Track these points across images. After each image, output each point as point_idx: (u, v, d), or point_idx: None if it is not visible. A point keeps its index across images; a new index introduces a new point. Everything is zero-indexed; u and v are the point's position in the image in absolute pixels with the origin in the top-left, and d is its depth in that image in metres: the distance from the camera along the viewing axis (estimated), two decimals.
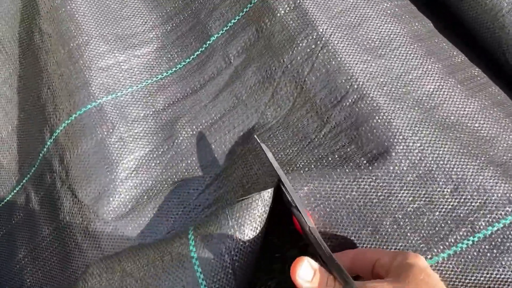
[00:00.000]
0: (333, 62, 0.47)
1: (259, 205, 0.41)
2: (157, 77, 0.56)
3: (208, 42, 0.55)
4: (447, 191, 0.40)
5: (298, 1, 0.51)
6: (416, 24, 0.52)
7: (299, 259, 0.36)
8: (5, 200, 0.60)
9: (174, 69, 0.56)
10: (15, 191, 0.59)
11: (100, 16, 0.57)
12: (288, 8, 0.51)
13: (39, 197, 0.55)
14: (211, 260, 0.40)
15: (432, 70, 0.47)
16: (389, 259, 0.36)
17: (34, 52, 0.59)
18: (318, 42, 0.48)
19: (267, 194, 0.41)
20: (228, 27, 0.54)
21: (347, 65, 0.47)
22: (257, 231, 0.41)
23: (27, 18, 0.61)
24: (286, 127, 0.47)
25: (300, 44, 0.49)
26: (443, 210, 0.40)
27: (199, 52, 0.55)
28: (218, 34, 0.54)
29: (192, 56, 0.55)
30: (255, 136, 0.47)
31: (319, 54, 0.48)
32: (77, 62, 0.54)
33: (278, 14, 0.51)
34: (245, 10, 0.53)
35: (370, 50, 0.48)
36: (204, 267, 0.40)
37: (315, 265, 0.36)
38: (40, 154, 0.56)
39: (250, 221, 0.40)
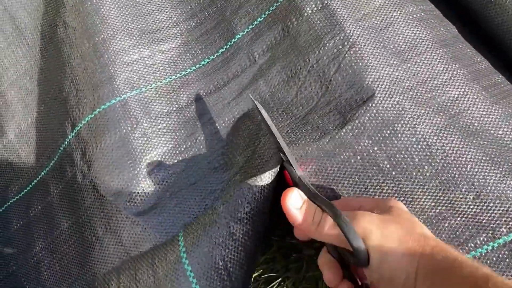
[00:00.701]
0: (360, 64, 0.47)
1: (247, 205, 0.42)
2: (181, 73, 0.56)
3: (233, 40, 0.55)
4: (469, 198, 0.41)
5: (326, 2, 0.51)
6: (441, 29, 0.52)
7: (290, 189, 0.38)
8: (22, 192, 0.60)
9: (198, 65, 0.56)
10: (33, 183, 0.59)
11: (126, 10, 0.57)
12: (315, 8, 0.51)
13: (58, 190, 0.56)
14: (205, 267, 0.41)
15: (457, 76, 0.47)
16: (372, 204, 0.38)
17: (57, 45, 0.59)
18: (346, 43, 0.48)
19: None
20: (253, 26, 0.54)
21: (374, 67, 0.47)
22: (248, 231, 0.42)
23: (51, 10, 0.61)
24: (305, 123, 0.47)
25: (327, 44, 0.49)
26: (465, 216, 0.41)
27: (224, 49, 0.55)
28: (244, 32, 0.54)
29: (217, 53, 0.55)
30: (250, 95, 0.49)
31: (346, 54, 0.48)
32: (102, 57, 0.54)
33: (305, 14, 0.51)
34: (271, 8, 0.53)
35: (396, 54, 0.48)
36: (198, 277, 0.41)
37: (305, 196, 0.38)
38: (61, 148, 0.56)
39: (238, 219, 0.42)
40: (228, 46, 0.55)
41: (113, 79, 0.53)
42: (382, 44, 0.49)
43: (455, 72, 0.47)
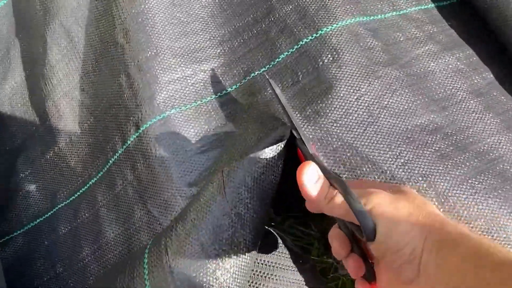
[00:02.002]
0: (406, 106, 0.48)
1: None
2: (222, 93, 0.57)
3: (277, 59, 0.55)
4: None
5: (371, 44, 0.52)
6: (477, 77, 0.54)
7: (307, 163, 0.38)
8: (71, 198, 0.63)
9: (239, 84, 0.57)
10: (81, 191, 0.62)
11: (170, 29, 0.58)
12: (363, 47, 0.52)
13: (106, 201, 0.58)
14: None
15: (491, 124, 0.49)
16: (385, 187, 0.38)
17: (107, 61, 0.61)
18: (392, 84, 0.49)
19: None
20: (299, 46, 0.53)
21: (418, 112, 0.48)
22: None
23: (102, 26, 0.63)
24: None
25: (377, 80, 0.49)
26: None
27: (266, 68, 0.55)
28: (288, 52, 0.54)
29: (258, 72, 0.56)
30: (265, 74, 0.52)
31: (394, 93, 0.49)
32: (145, 75, 0.55)
33: (354, 50, 0.51)
34: (319, 32, 0.52)
35: (436, 102, 0.50)
36: None
37: (320, 172, 0.39)
38: (110, 161, 0.58)
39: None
40: (271, 66, 0.55)
41: (154, 98, 0.54)
42: (423, 91, 0.50)
43: (488, 121, 0.49)
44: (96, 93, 0.62)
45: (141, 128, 0.54)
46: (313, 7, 0.54)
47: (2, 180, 0.70)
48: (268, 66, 0.55)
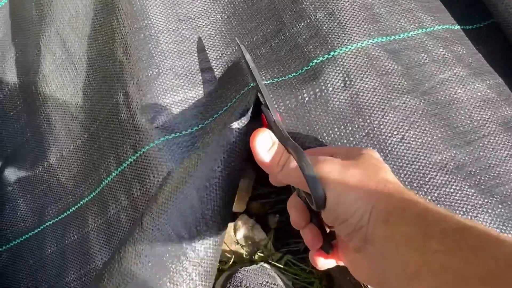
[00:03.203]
0: (424, 140, 0.44)
1: None
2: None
3: (283, 78, 0.51)
4: None
5: (391, 68, 0.48)
6: (507, 109, 0.49)
7: (260, 129, 0.38)
8: (60, 217, 0.60)
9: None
10: (71, 210, 0.59)
11: (174, 47, 0.55)
12: (381, 71, 0.48)
13: (96, 224, 0.55)
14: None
15: None
16: (344, 152, 0.38)
17: (105, 77, 0.57)
18: (410, 115, 0.46)
19: None
20: (308, 67, 0.50)
21: (438, 147, 0.44)
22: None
23: (101, 38, 0.59)
24: None
25: (393, 111, 0.46)
26: None
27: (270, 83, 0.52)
28: (297, 73, 0.50)
29: (271, 80, 0.52)
30: (236, 38, 0.50)
31: (411, 126, 0.45)
32: (145, 96, 0.52)
33: (370, 75, 0.48)
34: (354, 45, 0.49)
35: (459, 135, 0.46)
36: None
37: (275, 138, 0.38)
38: (103, 182, 0.55)
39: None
40: (274, 81, 0.51)
41: (153, 120, 0.51)
42: (446, 122, 0.46)
43: None
44: (92, 108, 0.59)
45: (139, 152, 0.51)
46: (326, 26, 0.51)
47: None
48: (271, 81, 0.52)
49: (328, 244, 0.37)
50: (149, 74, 0.53)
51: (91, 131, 0.59)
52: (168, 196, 0.46)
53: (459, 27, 0.56)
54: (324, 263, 0.38)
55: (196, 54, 0.56)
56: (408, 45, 0.51)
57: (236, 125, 0.44)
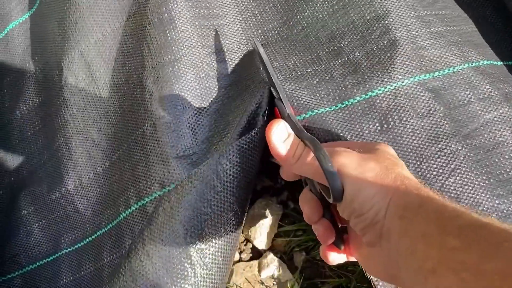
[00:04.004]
0: (465, 189, 0.42)
1: None
2: None
3: (316, 111, 0.49)
4: None
5: (432, 109, 0.46)
6: None
7: (276, 120, 0.38)
8: (76, 246, 0.58)
9: None
10: (87, 240, 0.57)
11: (207, 81, 0.53)
12: (422, 112, 0.46)
13: (111, 258, 0.53)
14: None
15: None
16: (360, 145, 0.38)
17: (132, 106, 0.55)
18: (451, 161, 0.43)
19: None
20: (343, 105, 0.48)
21: (480, 197, 0.42)
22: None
23: (129, 64, 0.57)
24: None
25: (432, 158, 0.44)
26: None
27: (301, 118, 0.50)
28: (330, 108, 0.49)
29: None
30: (253, 38, 0.51)
31: (451, 173, 0.43)
32: (176, 132, 0.50)
33: (410, 117, 0.46)
34: (394, 85, 0.47)
35: (503, 183, 0.43)
36: None
37: (290, 130, 0.38)
38: (122, 214, 0.53)
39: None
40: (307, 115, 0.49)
41: (184, 158, 0.49)
42: (489, 169, 0.44)
43: None
44: (116, 136, 0.57)
45: (167, 188, 0.49)
46: (365, 64, 0.49)
47: (2, 215, 0.64)
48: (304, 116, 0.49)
49: (340, 239, 0.37)
50: (176, 110, 0.51)
51: (113, 160, 0.57)
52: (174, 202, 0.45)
53: (502, 63, 0.54)
54: (335, 258, 0.38)
55: (225, 89, 0.54)
56: (453, 82, 0.48)
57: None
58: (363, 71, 0.49)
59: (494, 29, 0.58)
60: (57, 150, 0.61)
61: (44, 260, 0.60)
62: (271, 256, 0.56)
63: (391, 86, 0.47)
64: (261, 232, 0.57)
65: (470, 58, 0.50)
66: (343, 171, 0.33)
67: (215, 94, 0.53)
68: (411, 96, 0.47)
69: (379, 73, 0.48)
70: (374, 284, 0.42)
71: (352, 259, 0.38)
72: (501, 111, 0.47)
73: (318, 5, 0.55)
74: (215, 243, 0.44)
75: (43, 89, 0.65)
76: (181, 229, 0.43)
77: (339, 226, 0.38)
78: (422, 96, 0.47)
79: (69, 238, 0.59)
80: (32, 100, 0.67)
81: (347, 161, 0.33)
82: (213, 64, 0.55)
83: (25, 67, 0.68)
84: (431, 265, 0.26)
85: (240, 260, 0.59)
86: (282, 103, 0.42)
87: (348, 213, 0.33)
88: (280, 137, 0.37)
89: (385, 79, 0.47)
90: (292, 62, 0.53)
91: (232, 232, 0.45)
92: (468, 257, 0.25)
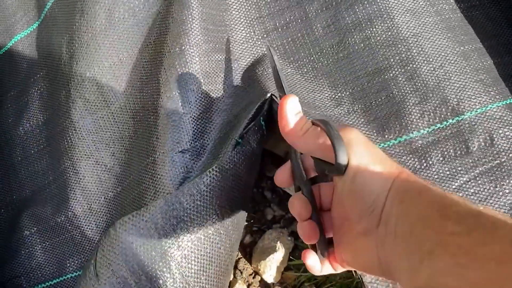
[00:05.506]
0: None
1: None
2: None
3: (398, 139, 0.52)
4: None
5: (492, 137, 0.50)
6: None
7: (291, 95, 0.38)
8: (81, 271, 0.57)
9: None
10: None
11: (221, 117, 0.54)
12: (481, 144, 0.50)
13: None
14: None
15: None
16: None
17: (146, 131, 0.54)
18: None
19: None
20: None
21: None
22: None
23: (146, 89, 0.56)
24: None
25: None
26: None
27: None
28: (396, 141, 0.51)
29: None
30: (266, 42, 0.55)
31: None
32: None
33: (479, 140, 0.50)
34: (456, 119, 0.50)
35: None
36: None
37: (300, 108, 0.38)
38: None
39: None
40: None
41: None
42: None
43: None
44: (129, 162, 0.56)
45: None
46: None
47: (3, 235, 0.63)
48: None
49: (325, 247, 0.38)
50: (168, 149, 0.51)
51: (125, 185, 0.56)
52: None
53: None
54: (314, 262, 0.38)
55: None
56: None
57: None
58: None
59: None
60: (63, 173, 0.60)
61: (47, 283, 0.59)
62: None
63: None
64: (271, 266, 0.57)
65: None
66: (351, 144, 0.33)
67: (227, 128, 0.54)
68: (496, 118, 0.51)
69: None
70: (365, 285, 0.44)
71: (336, 270, 0.39)
72: None
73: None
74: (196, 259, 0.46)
75: (49, 108, 0.64)
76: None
77: (325, 236, 0.39)
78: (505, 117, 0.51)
79: (75, 262, 0.58)
80: (37, 118, 0.65)
81: (356, 137, 0.34)
82: (225, 99, 0.55)
83: (30, 82, 0.66)
84: (429, 247, 0.27)
85: None
86: (285, 93, 0.44)
87: (348, 191, 0.33)
88: (293, 109, 0.37)
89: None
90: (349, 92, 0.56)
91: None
92: (467, 241, 0.25)
